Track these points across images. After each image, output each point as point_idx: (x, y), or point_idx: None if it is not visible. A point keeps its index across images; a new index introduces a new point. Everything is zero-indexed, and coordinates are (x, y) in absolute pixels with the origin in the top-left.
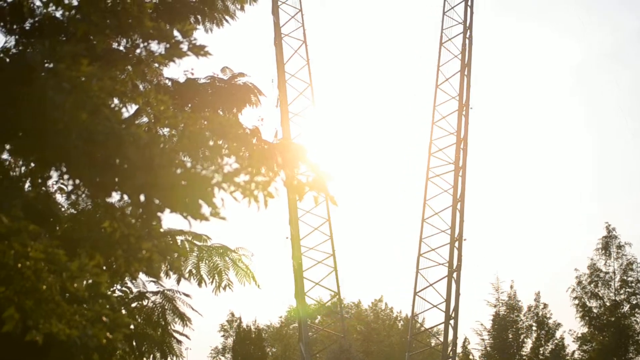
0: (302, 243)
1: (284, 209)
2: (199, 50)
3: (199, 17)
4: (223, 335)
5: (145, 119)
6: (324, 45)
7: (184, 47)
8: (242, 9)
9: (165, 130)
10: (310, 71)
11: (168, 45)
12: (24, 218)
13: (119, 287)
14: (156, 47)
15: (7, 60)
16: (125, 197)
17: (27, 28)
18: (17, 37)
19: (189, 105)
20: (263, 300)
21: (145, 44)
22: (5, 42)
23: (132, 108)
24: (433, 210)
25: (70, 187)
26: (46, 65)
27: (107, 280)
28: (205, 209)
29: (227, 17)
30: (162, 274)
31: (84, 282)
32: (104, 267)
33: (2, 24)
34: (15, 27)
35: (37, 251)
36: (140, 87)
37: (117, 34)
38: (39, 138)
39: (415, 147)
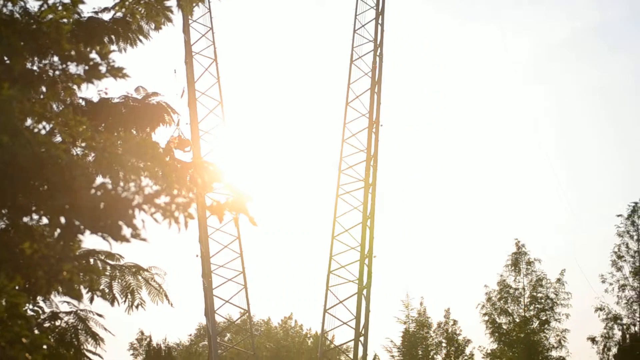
0: (212, 261)
1: (194, 226)
2: (117, 72)
3: (112, 37)
4: (132, 354)
5: (59, 138)
6: (234, 62)
7: (103, 69)
8: (157, 28)
9: (79, 150)
10: (220, 89)
11: (87, 68)
12: None
13: (30, 306)
14: (75, 68)
15: None
16: (45, 218)
17: None
18: None
19: (103, 124)
20: (173, 318)
21: (64, 65)
22: None
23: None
24: (343, 227)
25: None
26: None
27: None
28: (126, 231)
29: (141, 37)
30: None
31: (2, 303)
32: (27, 286)
33: None
34: None
35: None
36: (55, 107)
37: (35, 55)
38: None
39: (326, 163)
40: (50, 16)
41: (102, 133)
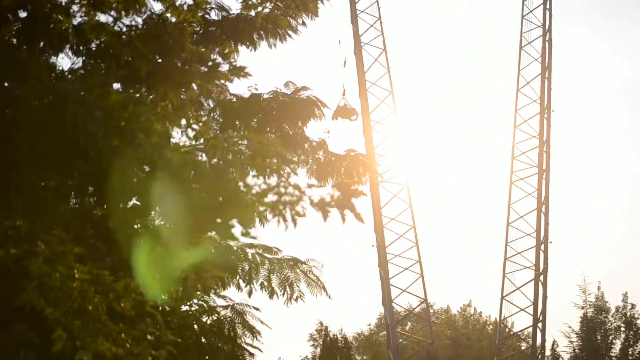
0: (387, 250)
1: (370, 217)
2: (238, 72)
3: (262, 33)
4: (312, 345)
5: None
6: (403, 52)
7: (224, 68)
8: (303, 24)
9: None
10: (390, 78)
11: (205, 69)
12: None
13: (195, 301)
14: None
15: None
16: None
17: (93, 49)
18: (83, 58)
19: (255, 120)
20: (355, 308)
21: (187, 66)
22: (73, 64)
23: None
24: (518, 214)
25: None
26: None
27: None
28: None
29: (290, 32)
30: (233, 287)
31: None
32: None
33: (68, 45)
34: (81, 48)
35: (82, 273)
36: (205, 104)
37: (159, 58)
38: (70, 164)
39: (498, 151)
40: (174, 19)
41: (226, 133)
